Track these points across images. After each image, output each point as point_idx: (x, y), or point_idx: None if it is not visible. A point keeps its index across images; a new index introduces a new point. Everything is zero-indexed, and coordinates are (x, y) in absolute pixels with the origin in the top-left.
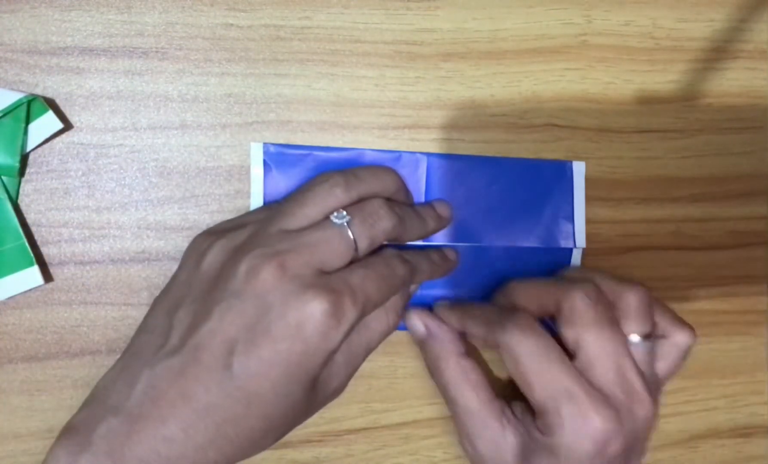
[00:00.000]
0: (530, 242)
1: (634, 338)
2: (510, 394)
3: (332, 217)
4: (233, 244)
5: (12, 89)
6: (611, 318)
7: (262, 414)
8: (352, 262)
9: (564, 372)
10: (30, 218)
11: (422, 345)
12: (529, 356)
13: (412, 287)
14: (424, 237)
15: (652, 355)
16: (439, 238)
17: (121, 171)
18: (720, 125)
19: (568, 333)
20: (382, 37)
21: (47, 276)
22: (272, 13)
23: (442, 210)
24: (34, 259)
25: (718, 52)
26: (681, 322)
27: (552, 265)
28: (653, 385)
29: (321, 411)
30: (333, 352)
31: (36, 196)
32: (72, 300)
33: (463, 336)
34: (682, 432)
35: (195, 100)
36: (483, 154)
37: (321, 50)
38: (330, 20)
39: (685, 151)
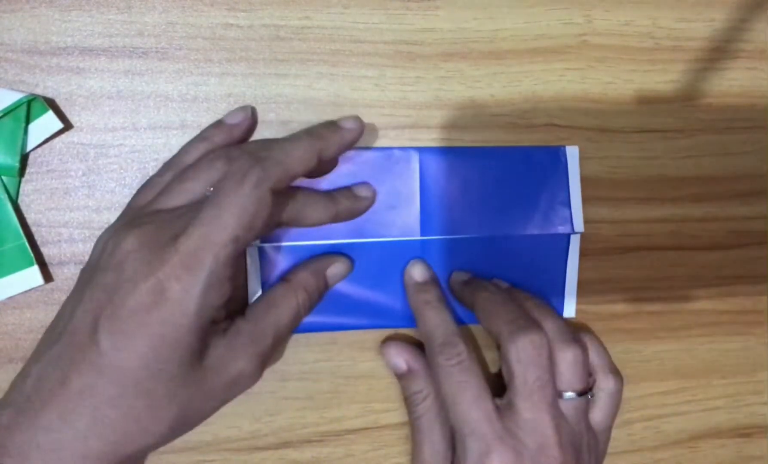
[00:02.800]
0: (528, 230)
1: (569, 394)
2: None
3: (206, 191)
4: (114, 229)
5: (12, 89)
6: (544, 376)
7: (139, 392)
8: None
9: (479, 409)
10: (30, 218)
11: (401, 379)
12: (454, 385)
13: (332, 273)
14: (333, 216)
15: (584, 409)
16: (434, 231)
17: (122, 171)
18: (720, 125)
19: (504, 372)
20: (382, 37)
21: (47, 276)
22: (272, 13)
23: (359, 189)
24: (34, 259)
25: (718, 52)
26: (610, 369)
27: (551, 252)
28: (584, 438)
29: (321, 411)
30: (203, 317)
31: (36, 196)
32: None
33: None
34: (682, 432)
35: (195, 100)
36: None
37: (321, 50)
38: (330, 20)
39: (685, 151)
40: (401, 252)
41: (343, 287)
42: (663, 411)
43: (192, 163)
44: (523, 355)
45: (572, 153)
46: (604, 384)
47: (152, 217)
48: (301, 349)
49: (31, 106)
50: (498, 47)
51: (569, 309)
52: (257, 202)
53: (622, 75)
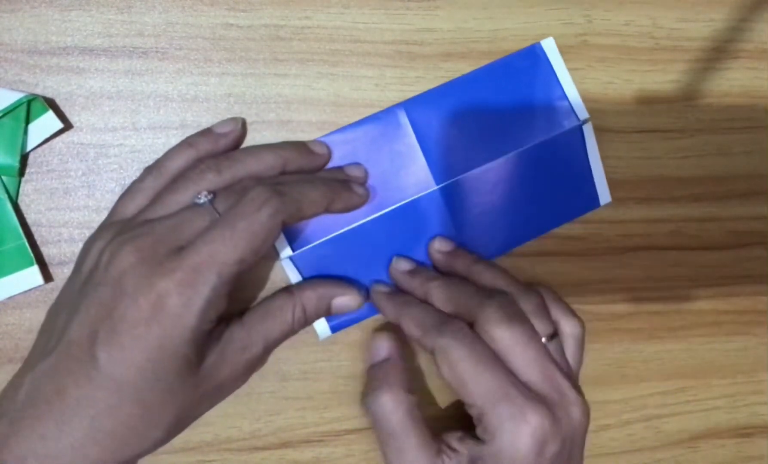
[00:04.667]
0: (536, 138)
1: (542, 341)
2: (445, 426)
3: (195, 199)
4: (106, 241)
5: (12, 89)
6: (527, 327)
7: (137, 401)
8: None
9: (500, 374)
10: (30, 218)
11: (376, 366)
12: (465, 360)
13: (339, 303)
14: (332, 205)
15: (562, 353)
16: (448, 176)
17: (121, 171)
18: (720, 125)
19: (492, 345)
20: (382, 37)
21: (47, 276)
22: (272, 13)
23: (351, 170)
24: (34, 259)
25: (718, 52)
26: (571, 313)
27: (569, 149)
28: (572, 380)
29: (321, 411)
30: (200, 330)
31: (36, 196)
32: None
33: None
34: (682, 432)
35: (195, 100)
36: None
37: (321, 50)
38: (330, 20)
39: (685, 151)
40: (424, 209)
41: (385, 261)
42: (663, 411)
43: (179, 170)
44: (503, 316)
45: (549, 45)
46: (569, 329)
47: (147, 229)
48: (302, 349)
49: (31, 106)
50: (498, 47)
51: (604, 197)
52: (269, 231)
53: (622, 75)
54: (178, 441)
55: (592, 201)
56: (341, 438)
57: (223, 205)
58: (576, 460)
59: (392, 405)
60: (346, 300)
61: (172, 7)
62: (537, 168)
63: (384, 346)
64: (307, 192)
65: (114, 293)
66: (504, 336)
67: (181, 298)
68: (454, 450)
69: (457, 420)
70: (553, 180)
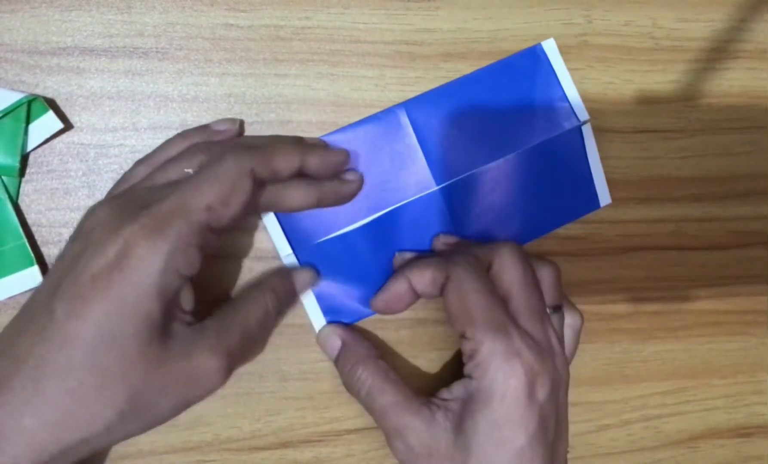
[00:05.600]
0: (536, 138)
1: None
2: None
3: (185, 173)
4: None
5: (12, 89)
6: (535, 279)
7: (90, 366)
8: None
9: (503, 312)
10: (30, 218)
11: (339, 357)
12: (476, 291)
13: (299, 280)
14: (307, 161)
15: (561, 327)
16: (448, 176)
17: (122, 171)
18: (720, 125)
19: (500, 286)
20: (382, 37)
21: None
22: (272, 13)
23: (345, 174)
24: (34, 259)
25: (718, 52)
26: (572, 305)
27: (568, 150)
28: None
29: (321, 411)
30: (166, 284)
31: (36, 196)
32: None
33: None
34: (682, 432)
35: (195, 100)
36: None
37: (321, 50)
38: (330, 20)
39: (685, 151)
40: (424, 209)
41: (385, 262)
42: (663, 411)
43: (177, 155)
44: (518, 258)
45: (550, 46)
46: (569, 319)
47: (127, 193)
48: (302, 349)
49: (32, 106)
50: (498, 47)
51: (604, 198)
52: (235, 177)
53: (622, 75)
54: (178, 440)
55: (592, 202)
56: (341, 438)
57: None
58: (562, 412)
59: (365, 373)
60: (304, 275)
61: (172, 8)
62: (537, 169)
63: (334, 338)
64: (277, 145)
65: (83, 245)
66: (516, 275)
67: (147, 243)
68: (443, 399)
69: None
70: (553, 181)
